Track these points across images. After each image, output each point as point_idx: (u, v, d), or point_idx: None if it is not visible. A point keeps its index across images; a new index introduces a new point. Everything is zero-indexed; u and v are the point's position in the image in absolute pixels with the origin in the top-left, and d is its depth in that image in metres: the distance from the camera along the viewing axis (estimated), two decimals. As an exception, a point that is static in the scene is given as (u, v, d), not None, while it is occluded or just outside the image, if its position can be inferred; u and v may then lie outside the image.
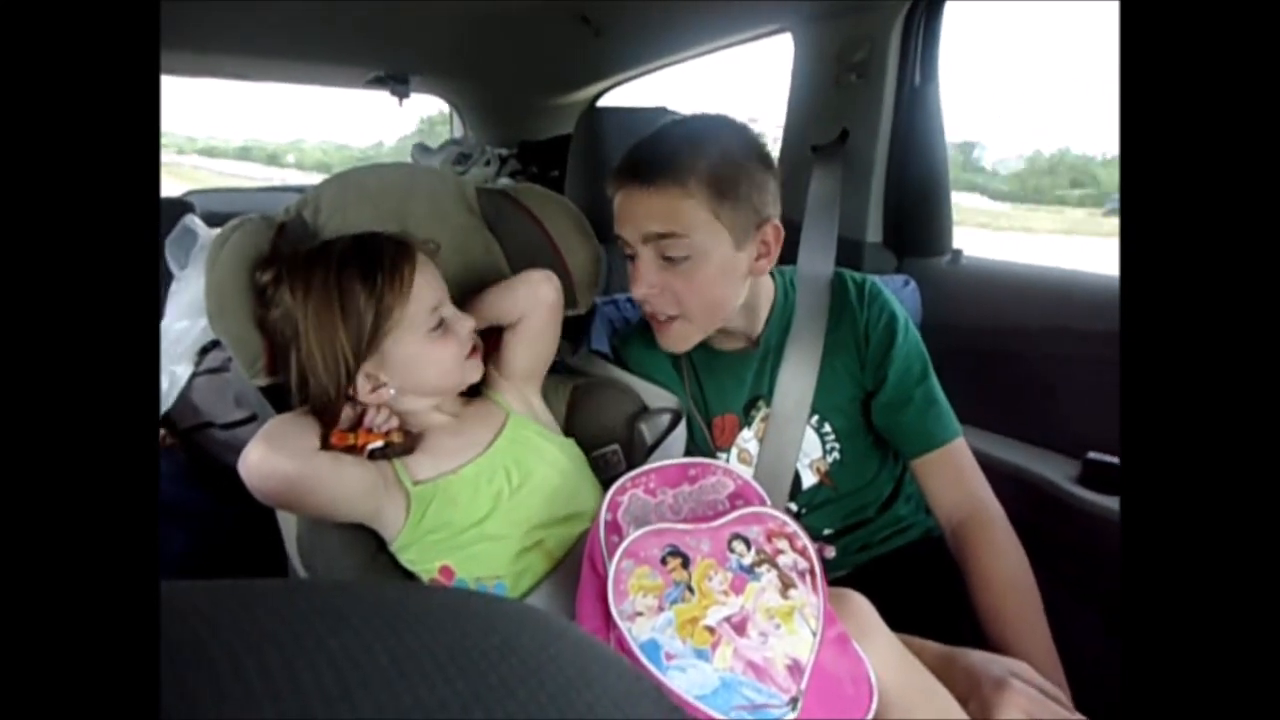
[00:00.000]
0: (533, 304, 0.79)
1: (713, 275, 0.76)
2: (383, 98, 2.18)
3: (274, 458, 0.62)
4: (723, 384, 0.88)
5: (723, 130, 0.78)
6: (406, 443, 0.72)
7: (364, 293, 0.68)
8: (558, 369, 0.94)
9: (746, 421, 0.87)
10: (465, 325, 0.74)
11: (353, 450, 0.69)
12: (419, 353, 0.71)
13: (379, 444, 0.70)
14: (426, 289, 0.71)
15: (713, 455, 0.88)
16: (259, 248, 0.77)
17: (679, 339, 0.81)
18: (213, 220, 0.85)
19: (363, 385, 0.70)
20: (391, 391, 0.71)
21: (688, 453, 0.85)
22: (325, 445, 0.68)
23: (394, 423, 0.73)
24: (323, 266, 0.69)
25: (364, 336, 0.68)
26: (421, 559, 0.73)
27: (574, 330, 0.95)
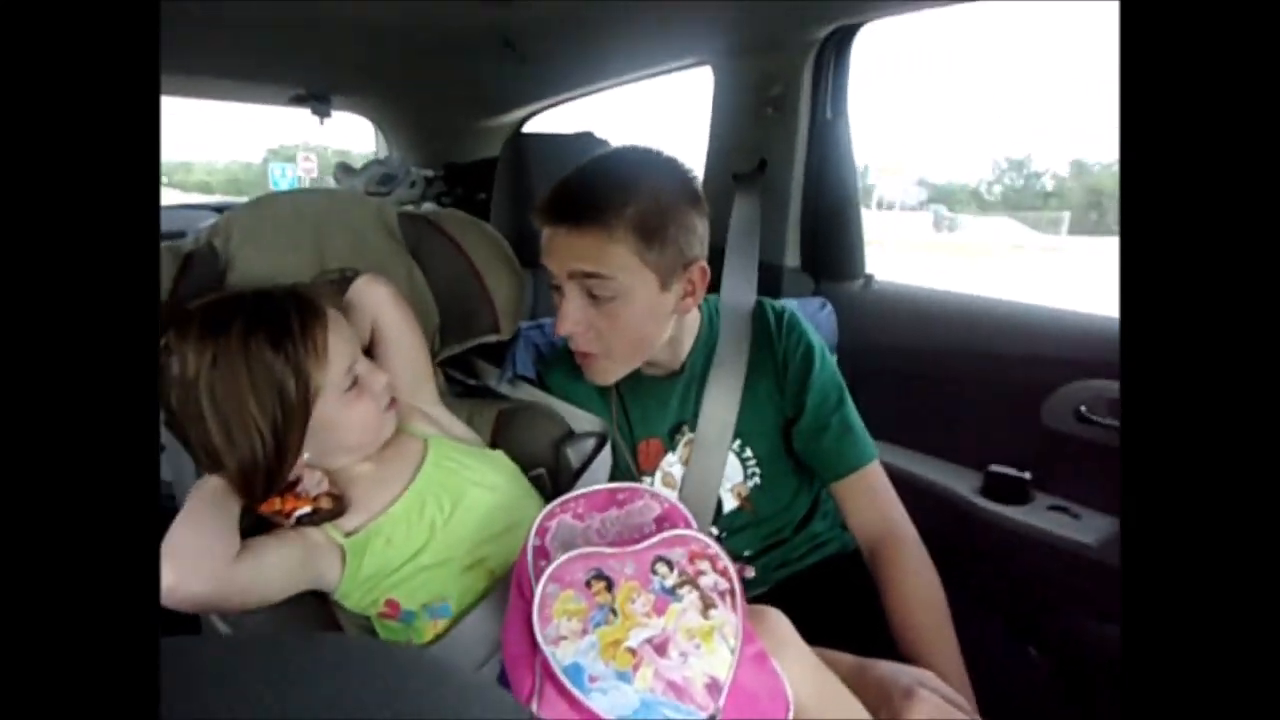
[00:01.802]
0: (375, 304, 0.78)
1: (638, 315, 0.77)
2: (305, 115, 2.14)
3: (185, 586, 0.57)
4: (647, 409, 0.89)
5: (652, 169, 0.77)
6: (335, 507, 0.69)
7: (277, 363, 0.63)
8: (482, 393, 0.94)
9: (671, 446, 0.88)
10: (379, 379, 0.71)
11: (278, 515, 0.66)
12: (335, 416, 0.68)
13: (307, 509, 0.67)
14: (340, 350, 0.67)
15: (637, 479, 0.89)
16: (161, 280, 0.74)
17: (602, 373, 0.82)
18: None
19: None
20: (306, 456, 0.68)
21: (612, 476, 0.86)
22: (246, 514, 0.64)
23: (324, 485, 0.70)
24: (223, 336, 0.63)
25: (280, 411, 0.63)
26: (364, 601, 0.71)
27: (498, 356, 0.96)
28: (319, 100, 2.07)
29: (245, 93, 2.12)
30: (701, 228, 0.79)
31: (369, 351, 0.78)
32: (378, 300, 0.78)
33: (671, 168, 0.78)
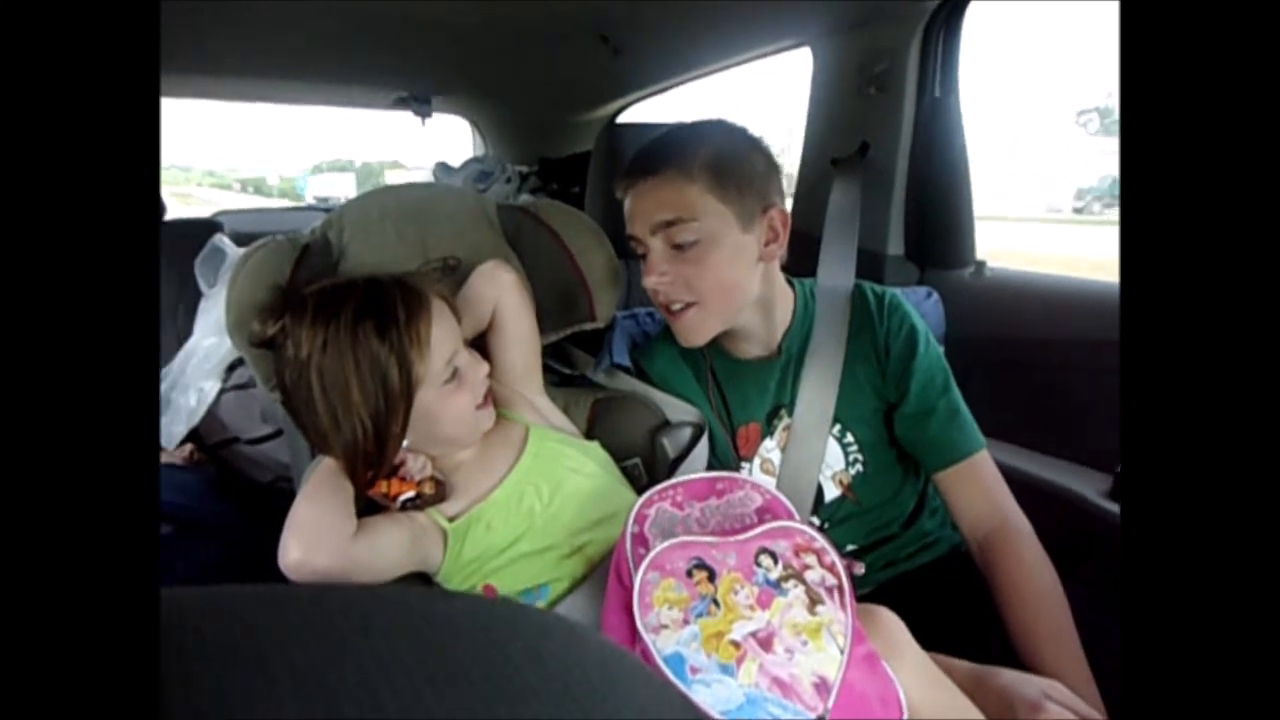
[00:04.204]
0: (498, 290, 0.78)
1: (723, 259, 0.77)
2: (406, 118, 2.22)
3: (311, 560, 0.60)
4: (746, 393, 0.87)
5: (720, 126, 0.81)
6: (438, 493, 0.71)
7: (382, 351, 0.64)
8: (579, 382, 0.94)
9: (769, 431, 0.86)
10: (479, 372, 0.72)
11: (385, 498, 0.69)
12: (432, 407, 0.68)
13: (411, 494, 0.69)
14: (443, 341, 0.68)
15: (736, 465, 0.87)
16: (280, 268, 0.78)
17: (694, 328, 0.81)
18: (242, 240, 0.87)
19: None
20: (407, 443, 0.69)
21: (710, 463, 0.85)
22: (358, 497, 0.67)
23: (429, 469, 0.71)
24: (334, 322, 0.64)
25: (383, 398, 0.65)
26: (463, 585, 0.73)
27: (594, 344, 0.96)
28: (421, 102, 2.14)
29: (350, 97, 2.23)
30: (776, 178, 0.81)
31: (483, 337, 0.79)
32: (502, 286, 0.79)
33: (739, 129, 0.82)
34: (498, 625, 0.20)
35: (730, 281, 0.79)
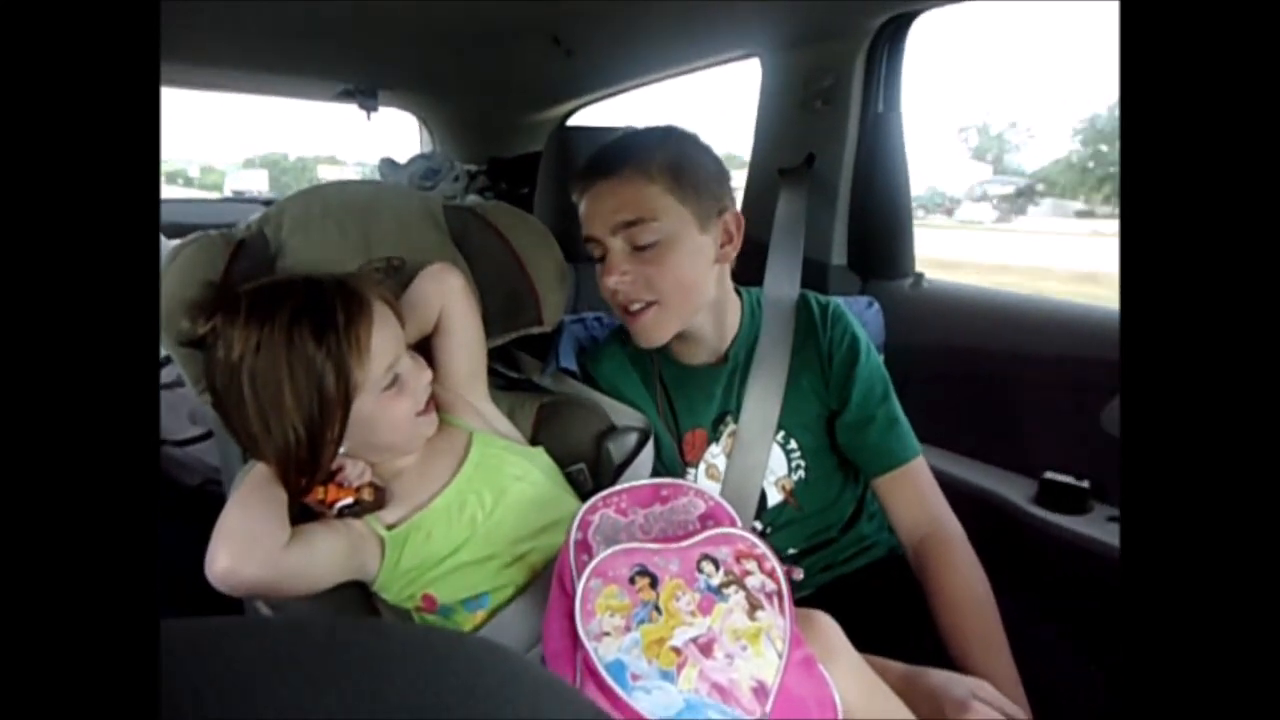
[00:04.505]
0: (444, 294, 0.77)
1: (683, 259, 0.78)
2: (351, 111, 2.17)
3: (240, 570, 0.57)
4: (692, 399, 0.88)
5: (673, 131, 0.83)
6: (376, 499, 0.69)
7: (318, 356, 0.61)
8: (524, 386, 0.93)
9: (715, 437, 0.87)
10: (421, 379, 0.70)
11: (321, 505, 0.66)
12: (371, 414, 0.66)
13: (349, 501, 0.67)
14: (384, 347, 0.66)
15: (681, 470, 0.88)
16: (214, 263, 0.75)
17: (654, 328, 0.81)
18: (175, 232, 0.83)
19: None
20: (344, 449, 0.67)
21: (656, 469, 0.85)
22: (292, 502, 0.64)
23: (367, 475, 0.69)
24: (268, 324, 0.62)
25: (318, 405, 0.62)
26: (401, 594, 0.71)
27: (541, 348, 0.95)
28: (367, 96, 2.09)
29: (293, 88, 2.17)
30: (727, 182, 0.84)
31: (427, 340, 0.77)
32: (448, 289, 0.77)
33: (691, 135, 0.84)
34: (429, 661, 0.20)
35: (690, 281, 0.80)
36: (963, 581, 0.74)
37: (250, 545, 0.59)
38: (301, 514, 0.66)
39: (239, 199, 2.70)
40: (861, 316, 1.10)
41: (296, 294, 0.64)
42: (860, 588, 0.85)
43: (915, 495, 0.81)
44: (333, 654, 0.19)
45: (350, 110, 2.16)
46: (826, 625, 0.58)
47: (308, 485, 0.65)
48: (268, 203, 1.07)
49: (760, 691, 0.50)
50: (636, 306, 0.80)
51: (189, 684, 0.16)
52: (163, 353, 1.21)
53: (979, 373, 1.16)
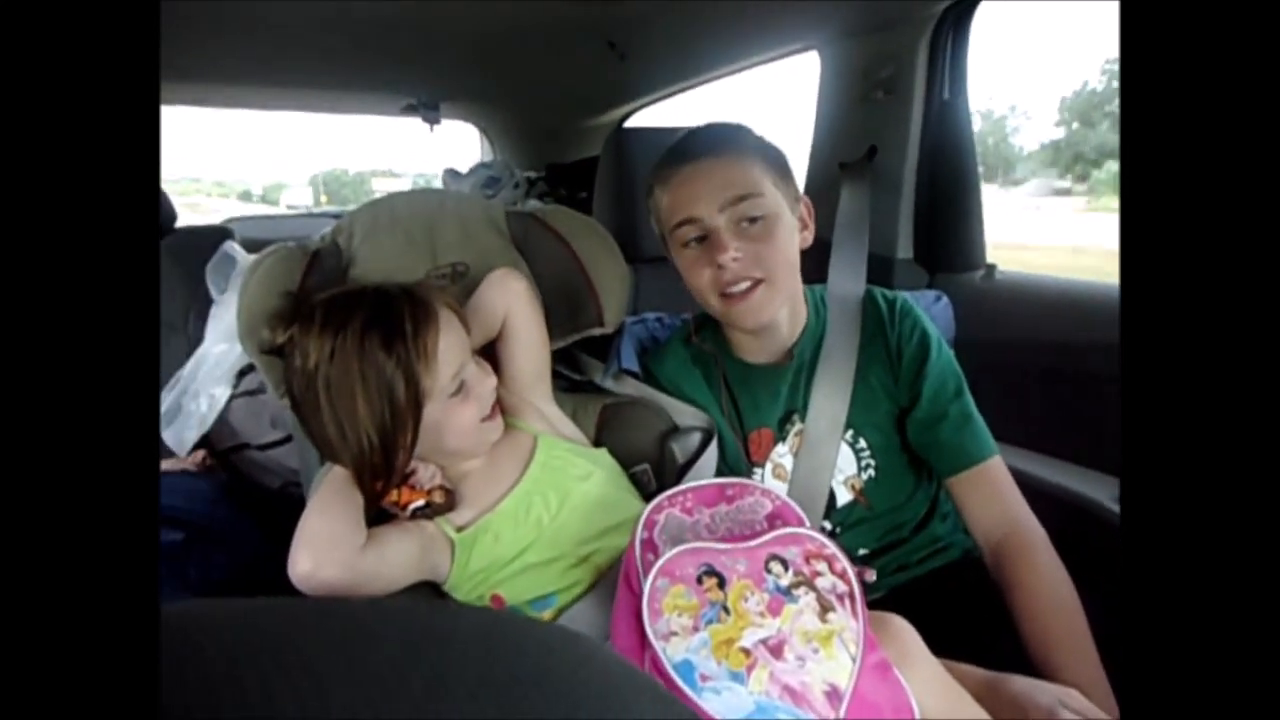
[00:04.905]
0: (509, 298, 0.78)
1: (786, 236, 0.80)
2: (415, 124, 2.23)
3: (320, 572, 0.59)
4: (757, 398, 0.87)
5: (743, 126, 0.85)
6: (447, 501, 0.71)
7: (389, 364, 0.63)
8: (587, 388, 0.94)
9: (781, 436, 0.86)
10: (486, 384, 0.71)
11: (395, 506, 0.68)
12: (438, 420, 0.68)
13: (421, 503, 0.69)
14: (450, 353, 0.67)
15: (747, 470, 0.87)
16: (291, 274, 0.78)
17: (762, 307, 0.80)
18: (253, 247, 0.88)
19: None
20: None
21: (720, 469, 0.84)
22: (368, 506, 0.67)
23: (438, 478, 0.71)
24: (341, 333, 0.64)
25: (389, 412, 0.64)
26: (471, 594, 0.73)
27: (603, 350, 0.96)
28: (430, 109, 2.15)
29: (361, 105, 2.24)
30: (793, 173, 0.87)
31: (492, 344, 0.79)
32: (512, 294, 0.78)
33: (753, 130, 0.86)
34: (504, 643, 0.20)
35: (792, 260, 0.81)
36: (1045, 585, 0.71)
37: (330, 548, 0.61)
38: (376, 517, 0.69)
39: (313, 214, 2.82)
40: (930, 311, 1.07)
41: (366, 303, 0.66)
42: (934, 590, 0.82)
43: (992, 495, 0.78)
44: (410, 635, 0.19)
45: (412, 123, 2.23)
46: (901, 628, 0.56)
47: (383, 489, 0.67)
48: (337, 215, 1.12)
49: (833, 695, 0.49)
50: (742, 286, 0.78)
51: (275, 660, 0.17)
52: (245, 361, 1.28)
53: (1057, 367, 1.10)
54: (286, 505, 0.72)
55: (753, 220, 0.77)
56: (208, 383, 1.30)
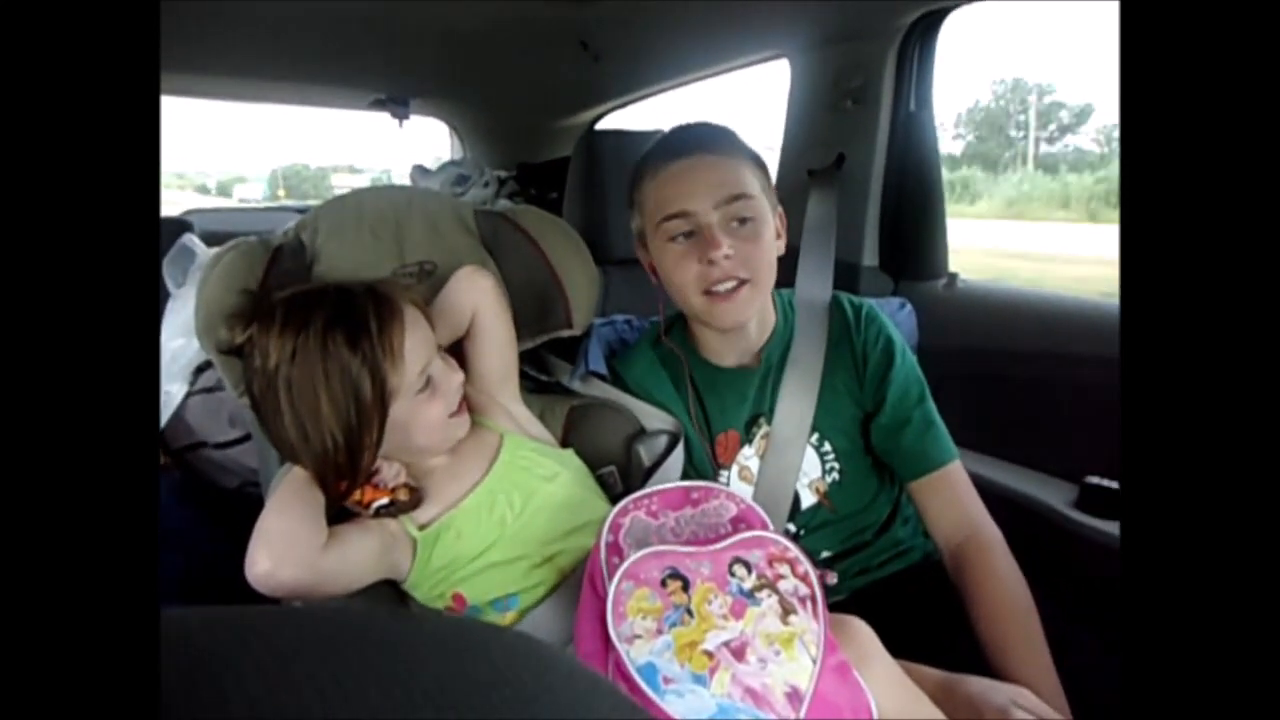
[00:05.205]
0: (476, 296, 0.77)
1: (769, 240, 0.81)
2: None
3: (279, 572, 0.58)
4: (724, 401, 0.87)
5: (730, 129, 0.86)
6: (412, 499, 0.70)
7: (354, 362, 0.62)
8: (555, 389, 0.94)
9: (748, 439, 0.86)
10: (452, 381, 0.70)
11: (357, 505, 0.67)
12: (405, 417, 0.67)
13: (385, 501, 0.68)
14: (416, 350, 0.66)
15: (714, 473, 0.87)
16: (252, 271, 0.76)
17: (743, 307, 0.80)
18: (212, 240, 0.86)
19: None
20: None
21: (686, 472, 0.85)
22: (331, 505, 0.66)
23: (402, 476, 0.70)
24: (304, 332, 0.62)
25: (355, 411, 0.63)
26: (431, 593, 0.72)
27: (571, 351, 0.95)
28: (399, 104, 2.13)
29: (327, 99, 2.21)
30: None
31: (459, 343, 0.78)
32: (480, 292, 0.78)
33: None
34: (464, 649, 0.20)
35: (773, 263, 0.82)
36: (1002, 587, 0.73)
37: (289, 548, 0.60)
38: (337, 514, 0.67)
39: (274, 208, 2.76)
40: (894, 318, 1.08)
41: (329, 302, 0.65)
42: (895, 593, 0.84)
43: (952, 499, 0.79)
44: (367, 642, 0.19)
45: (377, 119, 2.20)
46: (861, 631, 0.57)
47: (347, 489, 0.66)
48: (300, 210, 1.10)
49: (794, 697, 0.49)
50: (729, 285, 0.79)
51: (228, 670, 0.17)
52: (203, 357, 1.25)
53: (1017, 375, 1.13)
54: (244, 505, 0.70)
55: (743, 221, 0.78)
56: (163, 379, 1.27)
